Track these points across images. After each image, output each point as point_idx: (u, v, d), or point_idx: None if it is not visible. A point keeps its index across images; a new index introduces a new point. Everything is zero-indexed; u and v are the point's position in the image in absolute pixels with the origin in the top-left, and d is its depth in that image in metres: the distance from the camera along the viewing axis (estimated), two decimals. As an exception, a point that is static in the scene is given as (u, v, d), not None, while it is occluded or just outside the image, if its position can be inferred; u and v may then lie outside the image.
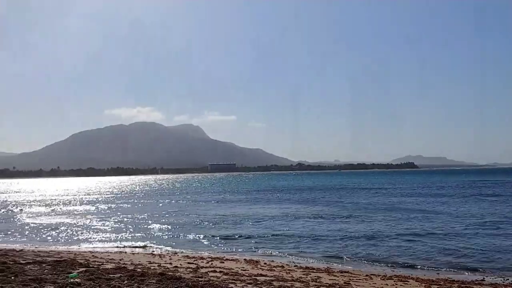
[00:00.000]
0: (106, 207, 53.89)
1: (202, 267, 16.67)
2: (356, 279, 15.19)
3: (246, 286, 12.44)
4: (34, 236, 30.21)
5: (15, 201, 70.91)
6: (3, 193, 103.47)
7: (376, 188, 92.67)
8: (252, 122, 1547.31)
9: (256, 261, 19.40)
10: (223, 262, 18.65)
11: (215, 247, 24.76)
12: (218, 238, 27.68)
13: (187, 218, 39.43)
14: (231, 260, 19.77)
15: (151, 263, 17.71)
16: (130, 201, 66.81)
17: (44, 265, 14.96)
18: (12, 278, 11.89)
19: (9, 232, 31.93)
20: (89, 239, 28.11)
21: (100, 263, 16.38)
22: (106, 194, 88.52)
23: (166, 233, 30.65)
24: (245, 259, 20.01)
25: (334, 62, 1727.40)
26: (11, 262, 15.23)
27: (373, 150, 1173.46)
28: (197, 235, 28.80)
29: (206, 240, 27.20)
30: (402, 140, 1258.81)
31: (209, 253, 22.28)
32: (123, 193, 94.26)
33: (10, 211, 50.45)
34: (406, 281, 15.28)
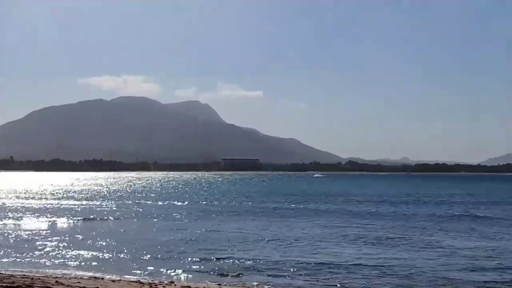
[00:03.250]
0: (77, 219, 54.79)
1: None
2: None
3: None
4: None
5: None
6: None
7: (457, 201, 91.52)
8: (285, 101, 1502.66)
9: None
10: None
11: (224, 274, 25.76)
12: (228, 263, 28.91)
13: (185, 236, 40.87)
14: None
15: (138, 296, 18.60)
16: (111, 210, 67.84)
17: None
18: None
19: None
20: (55, 259, 29.21)
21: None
22: (79, 199, 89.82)
23: (157, 255, 31.88)
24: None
25: (402, 32, 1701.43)
26: None
27: (457, 145, 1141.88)
28: (202, 259, 30.34)
29: (214, 266, 28.71)
30: (500, 133, 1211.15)
31: (217, 284, 23.15)
32: (101, 197, 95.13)
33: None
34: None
